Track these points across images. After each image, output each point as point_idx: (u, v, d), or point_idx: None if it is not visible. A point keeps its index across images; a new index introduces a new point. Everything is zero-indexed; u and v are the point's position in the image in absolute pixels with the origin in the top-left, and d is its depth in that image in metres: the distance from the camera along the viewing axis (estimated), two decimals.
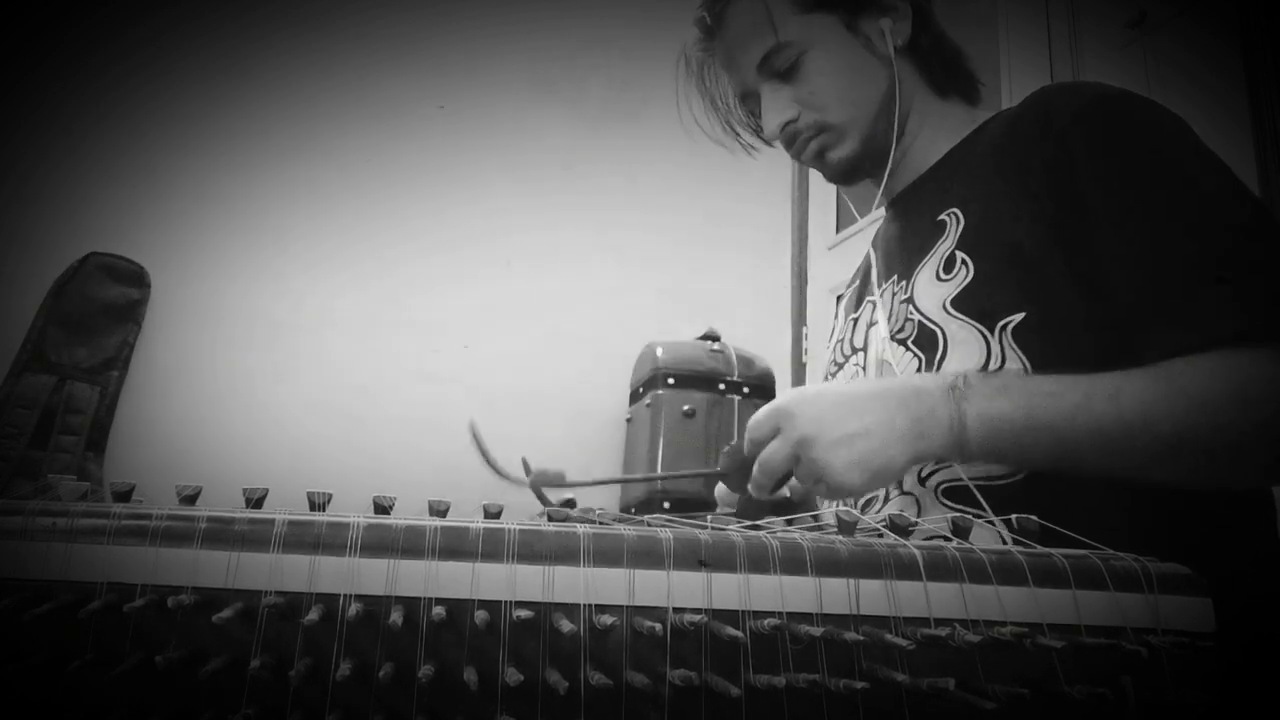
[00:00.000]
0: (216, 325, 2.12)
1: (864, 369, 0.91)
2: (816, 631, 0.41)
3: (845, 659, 0.42)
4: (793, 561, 0.43)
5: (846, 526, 0.48)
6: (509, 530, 0.43)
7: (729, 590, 0.43)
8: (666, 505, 1.87)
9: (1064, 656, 0.41)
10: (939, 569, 0.44)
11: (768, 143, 0.98)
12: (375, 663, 0.40)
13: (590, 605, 0.41)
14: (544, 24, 2.53)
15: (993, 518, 0.52)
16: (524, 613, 0.40)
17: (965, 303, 0.77)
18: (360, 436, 2.11)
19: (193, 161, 2.18)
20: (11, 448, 1.90)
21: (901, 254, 0.91)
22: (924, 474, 0.78)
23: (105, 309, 2.04)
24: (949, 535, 0.50)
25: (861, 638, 0.41)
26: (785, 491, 0.77)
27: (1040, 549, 0.47)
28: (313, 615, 0.39)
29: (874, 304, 0.92)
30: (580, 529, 0.44)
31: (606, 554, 0.43)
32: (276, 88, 2.29)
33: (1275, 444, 0.63)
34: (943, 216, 0.84)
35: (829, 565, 0.44)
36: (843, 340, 1.00)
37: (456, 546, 0.42)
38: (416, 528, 0.43)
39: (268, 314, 2.16)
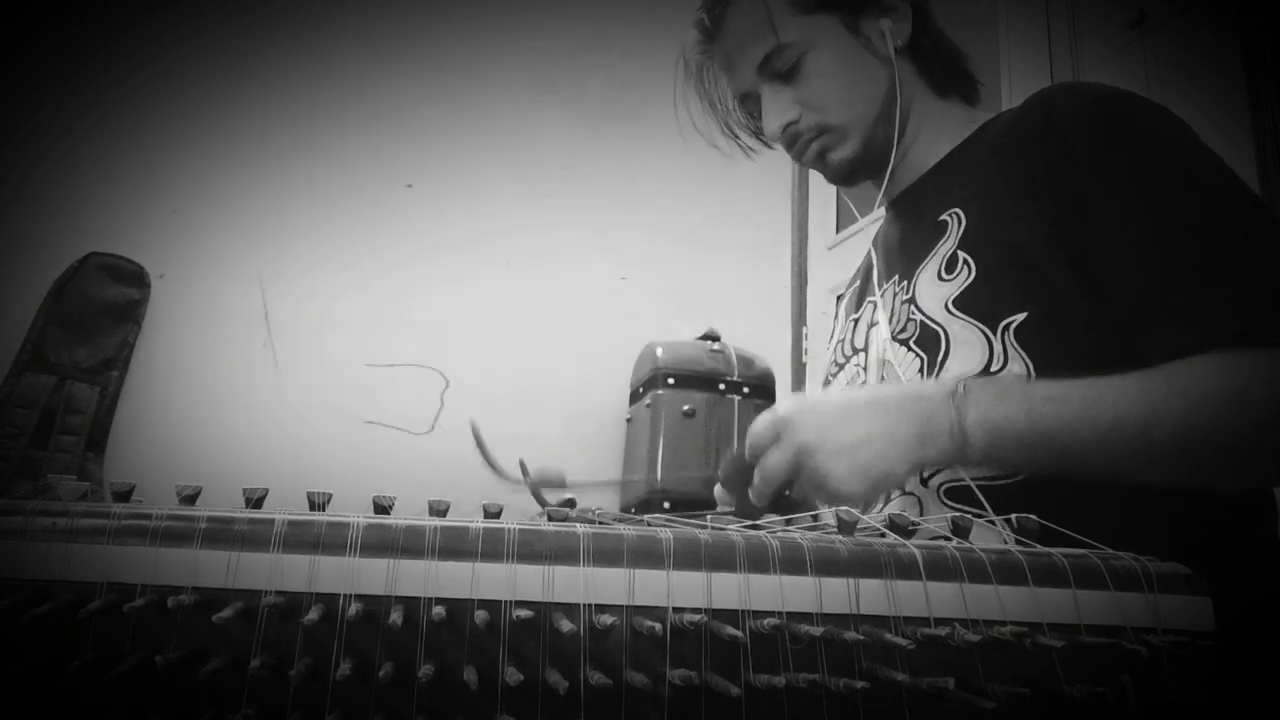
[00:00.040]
0: (216, 325, 2.12)
1: (865, 369, 0.91)
2: (816, 631, 0.41)
3: (845, 659, 0.42)
4: (793, 561, 0.43)
5: (846, 526, 0.48)
6: (509, 530, 0.43)
7: (729, 590, 0.43)
8: (666, 505, 1.87)
9: (1064, 656, 0.41)
10: (939, 569, 0.44)
11: (768, 144, 0.98)
12: (375, 662, 0.40)
13: (590, 605, 0.41)
14: (544, 24, 2.53)
15: (993, 517, 0.52)
16: (524, 612, 0.40)
17: (967, 302, 0.77)
18: (360, 436, 2.11)
19: (193, 161, 2.18)
20: (11, 448, 1.90)
21: (902, 254, 0.91)
22: (926, 475, 0.78)
23: (105, 309, 2.04)
24: (949, 535, 0.50)
25: (861, 637, 0.41)
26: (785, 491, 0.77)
27: (1040, 548, 0.47)
28: (313, 615, 0.39)
29: (875, 304, 0.92)
30: (580, 529, 0.44)
31: (606, 554, 0.43)
32: (276, 88, 2.29)
33: (1274, 445, 0.63)
34: (944, 217, 0.84)
35: (829, 565, 0.44)
36: (843, 341, 1.00)
37: (456, 546, 0.42)
38: (416, 528, 0.43)
39: (268, 314, 2.16)
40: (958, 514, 0.50)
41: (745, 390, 2.14)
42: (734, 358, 2.18)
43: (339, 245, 2.26)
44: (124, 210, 2.11)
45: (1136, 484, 0.67)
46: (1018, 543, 0.49)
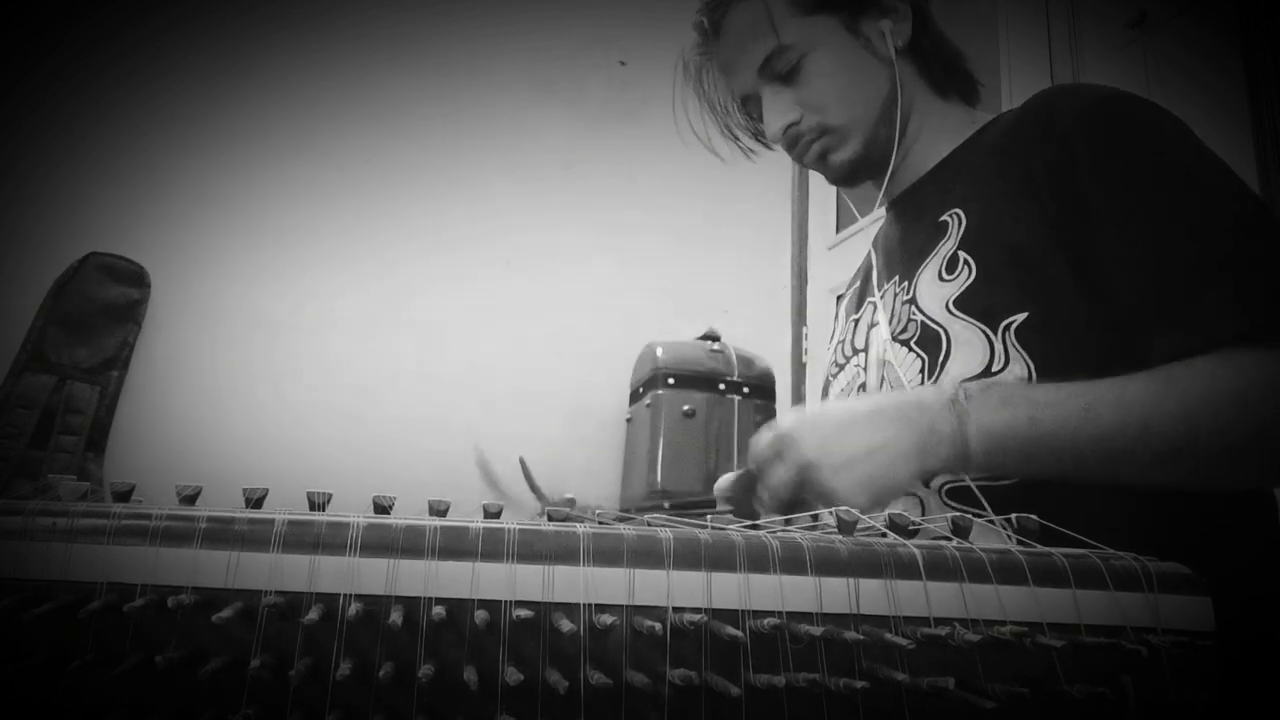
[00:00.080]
0: (216, 325, 2.12)
1: (865, 370, 0.91)
2: (816, 631, 0.41)
3: (845, 658, 0.42)
4: (793, 561, 0.43)
5: (846, 526, 0.48)
6: (509, 530, 0.43)
7: (729, 590, 0.43)
8: (666, 505, 1.87)
9: (1064, 656, 0.41)
10: (939, 568, 0.44)
11: (768, 146, 0.98)
12: (375, 662, 0.40)
13: (590, 605, 0.41)
14: (544, 24, 2.53)
15: (993, 517, 0.52)
16: (524, 612, 0.40)
17: (968, 302, 0.77)
18: (360, 436, 2.11)
19: (193, 161, 2.18)
20: (11, 448, 1.90)
21: (903, 255, 0.91)
22: None
23: (105, 309, 2.04)
24: (949, 535, 0.50)
25: (861, 637, 0.41)
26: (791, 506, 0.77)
27: (1040, 548, 0.47)
28: (313, 615, 0.39)
29: (875, 305, 0.92)
30: (580, 529, 0.44)
31: (606, 554, 0.43)
32: (276, 88, 2.29)
33: (1275, 445, 0.63)
34: (944, 217, 0.84)
35: (829, 565, 0.44)
36: (844, 341, 1.00)
37: (456, 546, 0.42)
38: (416, 527, 0.43)
39: (268, 314, 2.16)
40: (958, 514, 0.50)
41: (745, 390, 2.14)
42: (734, 358, 2.18)
43: (339, 245, 2.26)
44: (124, 210, 2.11)
45: (1136, 486, 0.67)
46: (1018, 543, 0.49)
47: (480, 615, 0.40)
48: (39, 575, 0.40)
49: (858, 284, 1.05)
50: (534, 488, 0.74)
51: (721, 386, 2.13)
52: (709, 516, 0.48)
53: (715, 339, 2.24)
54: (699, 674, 0.40)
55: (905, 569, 0.44)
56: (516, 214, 2.40)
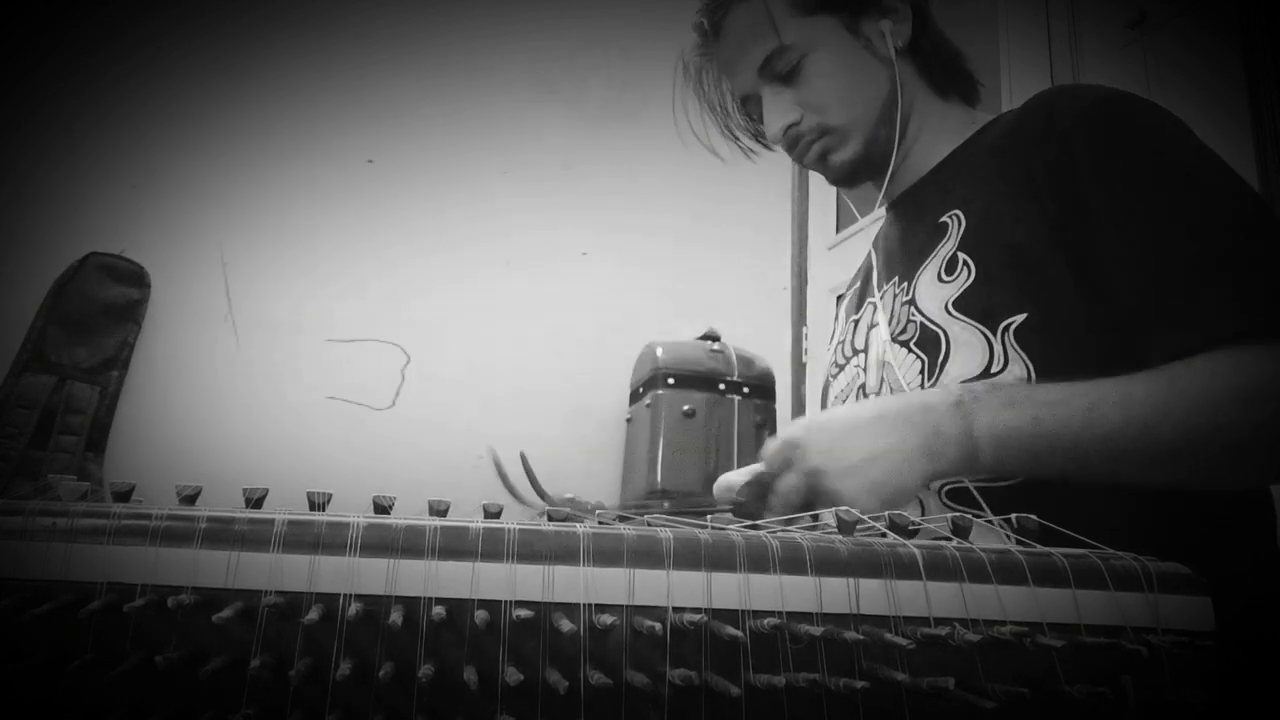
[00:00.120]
0: (216, 325, 2.12)
1: (865, 371, 0.91)
2: (816, 631, 0.41)
3: (845, 658, 0.42)
4: (793, 561, 0.43)
5: (846, 526, 0.48)
6: (509, 530, 0.43)
7: (729, 590, 0.43)
8: (666, 505, 1.86)
9: (1064, 656, 0.41)
10: (939, 568, 0.44)
11: (768, 146, 0.98)
12: (375, 662, 0.40)
13: (590, 605, 0.41)
14: (544, 24, 2.53)
15: (992, 518, 0.52)
16: (524, 612, 0.40)
17: (967, 304, 0.77)
18: (360, 436, 2.11)
19: (193, 161, 2.18)
20: (11, 448, 1.90)
21: (903, 255, 0.91)
22: None
23: (105, 309, 2.04)
24: (949, 535, 0.50)
25: (861, 637, 0.41)
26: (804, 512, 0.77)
27: (1040, 548, 0.47)
28: (313, 615, 0.39)
29: (875, 306, 0.92)
30: (580, 529, 0.44)
31: (606, 554, 0.43)
32: (276, 88, 2.29)
33: (1275, 443, 0.63)
34: (944, 218, 0.84)
35: (829, 565, 0.44)
36: (843, 342, 1.00)
37: (456, 546, 0.42)
38: (416, 527, 0.43)
39: (268, 314, 2.16)
40: (958, 514, 0.50)
41: (745, 390, 2.14)
42: (734, 358, 2.18)
43: (339, 245, 2.26)
44: (124, 210, 2.11)
45: (1137, 485, 0.67)
46: (1018, 543, 0.49)
47: (480, 615, 0.40)
48: (39, 575, 0.40)
49: (858, 284, 1.05)
50: (534, 484, 0.74)
51: (721, 386, 2.13)
52: (709, 516, 0.48)
53: (715, 339, 2.24)
54: (699, 674, 0.40)
55: (905, 569, 0.44)
56: (516, 214, 2.40)
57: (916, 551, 0.45)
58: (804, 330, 2.52)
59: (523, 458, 0.74)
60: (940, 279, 0.81)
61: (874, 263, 0.97)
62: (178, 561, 0.41)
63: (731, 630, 0.40)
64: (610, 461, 2.29)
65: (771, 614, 0.42)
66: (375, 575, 0.41)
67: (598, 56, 2.56)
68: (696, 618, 0.40)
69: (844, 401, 0.95)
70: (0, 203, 2.02)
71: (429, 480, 2.00)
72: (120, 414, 2.02)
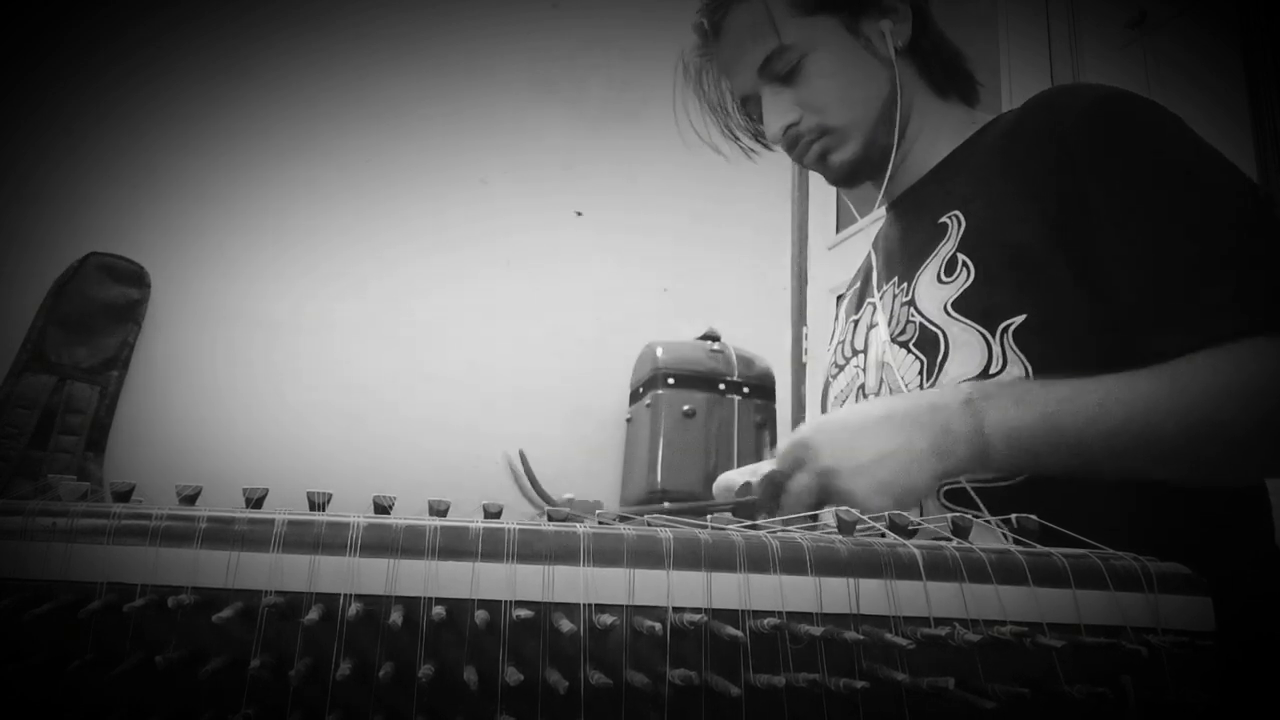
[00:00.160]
0: (216, 325, 2.12)
1: (864, 371, 0.91)
2: (816, 631, 0.41)
3: (845, 658, 0.42)
4: (793, 561, 0.43)
5: (846, 526, 0.48)
6: (509, 530, 0.43)
7: (729, 590, 0.43)
8: (666, 505, 1.86)
9: (1064, 656, 0.41)
10: (939, 568, 0.44)
11: (768, 146, 0.98)
12: (375, 662, 0.40)
13: (590, 605, 0.41)
14: (544, 24, 2.53)
15: (990, 518, 0.52)
16: (524, 612, 0.40)
17: (966, 305, 0.77)
18: (360, 436, 2.11)
19: (193, 161, 2.18)
20: (11, 448, 1.90)
21: (903, 256, 0.91)
22: None
23: (105, 309, 2.04)
24: (949, 535, 0.50)
25: (861, 637, 0.41)
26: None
27: (1040, 548, 0.47)
28: (313, 615, 0.39)
29: (874, 306, 0.92)
30: (580, 529, 0.44)
31: (606, 554, 0.43)
32: (276, 88, 2.29)
33: (1276, 439, 0.63)
34: (944, 219, 0.84)
35: (829, 565, 0.44)
36: (843, 342, 1.00)
37: (456, 546, 0.42)
38: (416, 527, 0.43)
39: (268, 314, 2.16)
40: (958, 514, 0.50)
41: (745, 390, 2.14)
42: (734, 358, 2.18)
43: (339, 245, 2.26)
44: (124, 210, 2.11)
45: (1142, 481, 0.67)
46: (1017, 543, 0.49)
47: (480, 615, 0.40)
48: (39, 575, 0.40)
49: (858, 285, 1.05)
50: (534, 482, 0.74)
51: (721, 386, 2.13)
52: (709, 516, 0.48)
53: (715, 339, 2.24)
54: (699, 674, 0.40)
55: (905, 569, 0.44)
56: (516, 214, 2.40)
57: (916, 551, 0.45)
58: (804, 330, 2.52)
59: (522, 457, 0.75)
60: (940, 280, 0.81)
61: (874, 263, 0.97)
62: (178, 561, 0.41)
63: (731, 630, 0.40)
64: (610, 461, 2.29)
65: (771, 614, 0.42)
66: (375, 575, 0.41)
67: (598, 56, 2.56)
68: (696, 618, 0.40)
69: (844, 402, 0.95)
70: (0, 203, 2.02)
71: (429, 480, 2.00)
72: (120, 414, 2.02)
